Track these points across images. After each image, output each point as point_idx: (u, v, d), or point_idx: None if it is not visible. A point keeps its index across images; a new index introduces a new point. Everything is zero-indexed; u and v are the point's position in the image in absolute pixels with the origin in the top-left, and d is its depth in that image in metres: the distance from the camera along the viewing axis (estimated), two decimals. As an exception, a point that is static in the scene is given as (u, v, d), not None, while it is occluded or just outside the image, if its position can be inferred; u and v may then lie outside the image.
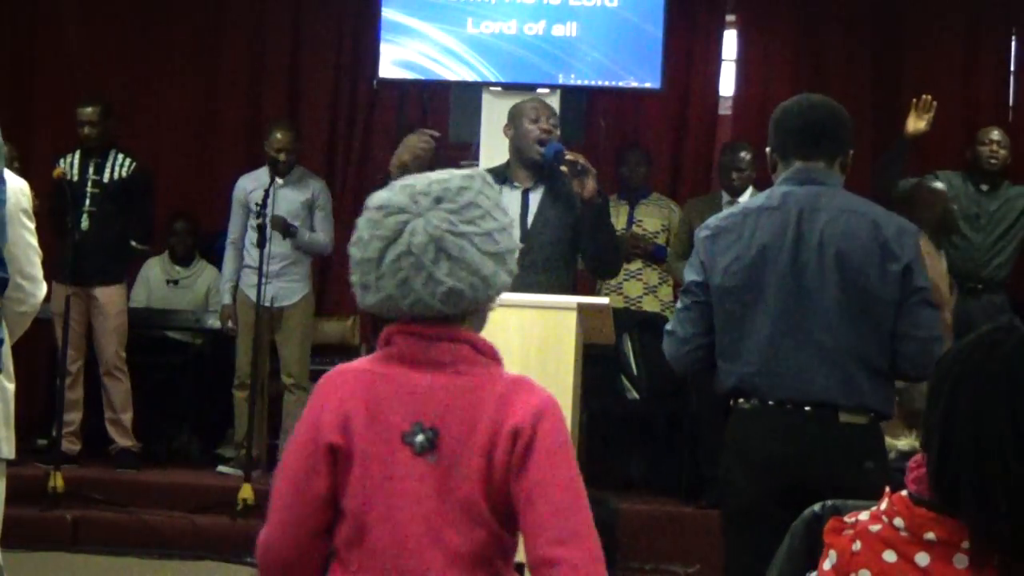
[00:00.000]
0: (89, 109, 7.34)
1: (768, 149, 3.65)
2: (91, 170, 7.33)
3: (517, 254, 2.29)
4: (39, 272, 3.80)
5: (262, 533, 2.25)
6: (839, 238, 3.45)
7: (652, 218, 7.52)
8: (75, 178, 7.30)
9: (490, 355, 2.25)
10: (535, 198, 5.15)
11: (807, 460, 3.39)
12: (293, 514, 2.21)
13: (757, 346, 3.46)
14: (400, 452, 2.18)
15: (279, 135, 7.41)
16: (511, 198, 5.14)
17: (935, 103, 6.50)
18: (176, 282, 8.21)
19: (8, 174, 3.79)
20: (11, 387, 3.76)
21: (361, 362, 2.28)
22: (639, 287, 7.44)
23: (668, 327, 3.66)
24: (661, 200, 7.66)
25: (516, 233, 2.32)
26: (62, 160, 7.35)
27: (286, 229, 7.21)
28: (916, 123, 6.50)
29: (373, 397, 2.20)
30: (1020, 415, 1.97)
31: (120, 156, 7.40)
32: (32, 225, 3.80)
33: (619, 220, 7.43)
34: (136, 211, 7.43)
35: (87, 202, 7.29)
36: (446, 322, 2.22)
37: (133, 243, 7.58)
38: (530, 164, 5.15)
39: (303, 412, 2.26)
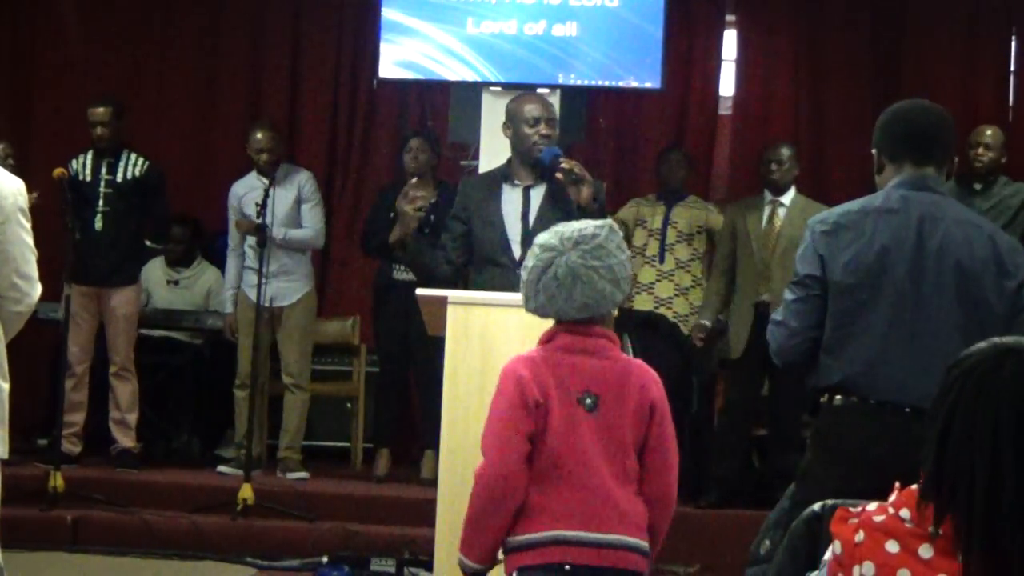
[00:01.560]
0: (101, 109, 7.33)
1: (874, 151, 3.68)
2: (104, 170, 7.31)
3: (631, 279, 3.36)
4: (35, 272, 3.79)
5: (482, 467, 3.22)
6: (959, 248, 3.49)
7: (687, 220, 7.48)
8: (88, 178, 7.29)
9: (617, 344, 3.33)
10: (536, 196, 5.14)
11: (902, 460, 3.37)
12: (510, 445, 3.19)
13: (867, 345, 3.48)
14: (576, 409, 3.23)
15: (259, 135, 7.40)
16: (512, 196, 5.14)
17: None
18: (176, 283, 8.21)
19: (5, 174, 3.79)
20: (6, 387, 3.75)
21: (534, 352, 3.30)
22: (671, 288, 7.42)
23: (777, 317, 3.65)
24: (698, 203, 7.60)
25: (627, 266, 3.32)
26: (74, 161, 7.34)
27: (258, 232, 6.95)
28: None
29: (556, 372, 3.24)
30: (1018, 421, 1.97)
31: (133, 156, 7.39)
32: (28, 224, 3.79)
33: (655, 220, 7.43)
34: (151, 210, 7.44)
35: (100, 202, 7.27)
36: (588, 323, 3.29)
37: (148, 242, 7.59)
38: (532, 165, 5.14)
39: (500, 386, 3.25)
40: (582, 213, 5.03)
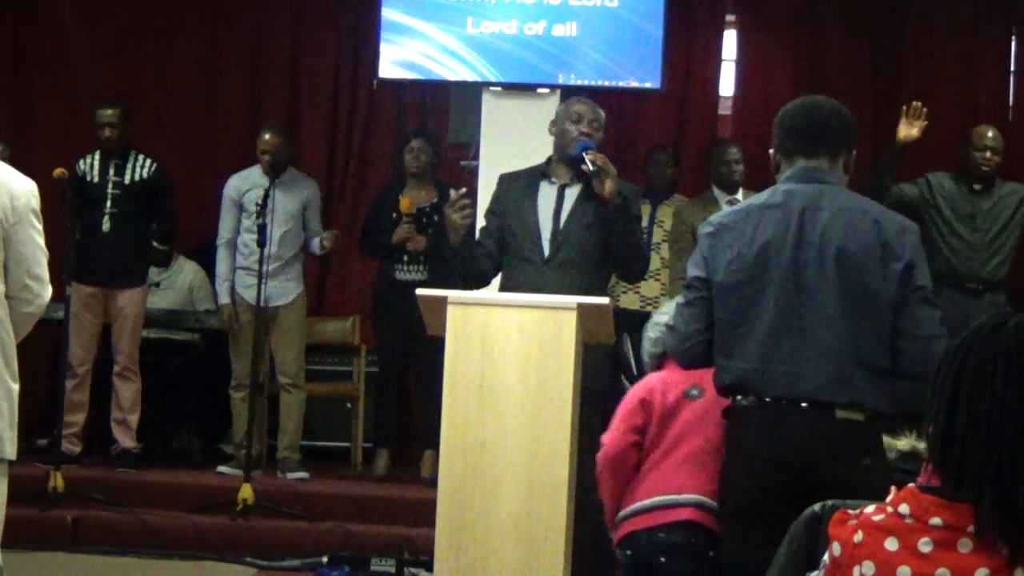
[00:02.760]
0: (109, 111, 7.33)
1: (771, 151, 3.66)
2: (112, 171, 7.32)
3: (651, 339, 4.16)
4: (46, 273, 3.81)
5: (602, 445, 3.99)
6: (840, 236, 3.45)
7: (672, 218, 7.50)
8: (95, 179, 7.30)
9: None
10: (571, 194, 5.16)
11: (804, 457, 3.39)
12: (619, 430, 3.94)
13: (756, 343, 3.46)
14: (683, 401, 3.89)
15: (266, 136, 7.41)
16: (548, 193, 5.17)
17: (926, 110, 6.48)
18: (158, 284, 8.18)
19: (17, 175, 3.80)
20: (16, 388, 3.77)
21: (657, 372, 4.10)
22: (656, 287, 7.44)
23: (669, 322, 3.69)
24: (683, 201, 7.64)
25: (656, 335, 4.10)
26: (81, 161, 7.35)
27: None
28: (907, 130, 6.49)
29: (665, 380, 3.94)
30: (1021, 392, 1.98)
31: (140, 157, 7.40)
32: (40, 226, 3.81)
33: (642, 219, 7.45)
34: (158, 212, 7.45)
35: (108, 204, 7.28)
36: None
37: (155, 243, 7.60)
38: (568, 161, 5.17)
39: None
40: (606, 208, 5.04)
